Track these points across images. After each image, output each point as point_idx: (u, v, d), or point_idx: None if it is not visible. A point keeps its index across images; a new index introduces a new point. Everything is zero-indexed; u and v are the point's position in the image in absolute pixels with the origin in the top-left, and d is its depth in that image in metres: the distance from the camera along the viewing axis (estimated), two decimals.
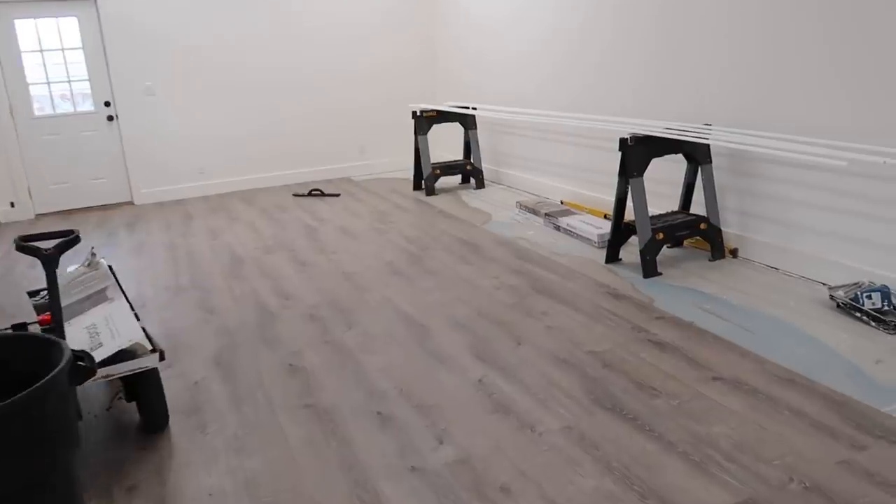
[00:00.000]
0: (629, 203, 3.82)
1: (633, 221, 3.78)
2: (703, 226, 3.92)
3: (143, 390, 2.39)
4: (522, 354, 2.91)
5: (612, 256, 4.06)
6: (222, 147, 6.93)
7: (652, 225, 3.85)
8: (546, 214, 4.94)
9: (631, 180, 3.73)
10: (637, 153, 3.74)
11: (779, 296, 3.38)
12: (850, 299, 3.07)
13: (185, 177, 6.86)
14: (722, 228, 4.03)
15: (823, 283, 3.50)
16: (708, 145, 3.84)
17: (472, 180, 6.51)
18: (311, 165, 7.35)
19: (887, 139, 3.11)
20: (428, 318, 3.37)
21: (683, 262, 3.99)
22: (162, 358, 2.35)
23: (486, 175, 6.86)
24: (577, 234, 4.56)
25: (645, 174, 4.57)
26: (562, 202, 5.49)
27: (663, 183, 4.48)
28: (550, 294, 3.58)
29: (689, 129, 3.74)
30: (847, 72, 3.25)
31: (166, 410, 2.47)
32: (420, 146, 6.20)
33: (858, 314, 3.04)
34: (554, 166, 5.69)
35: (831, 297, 3.17)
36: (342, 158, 7.49)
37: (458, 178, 6.83)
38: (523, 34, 5.83)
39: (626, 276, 3.82)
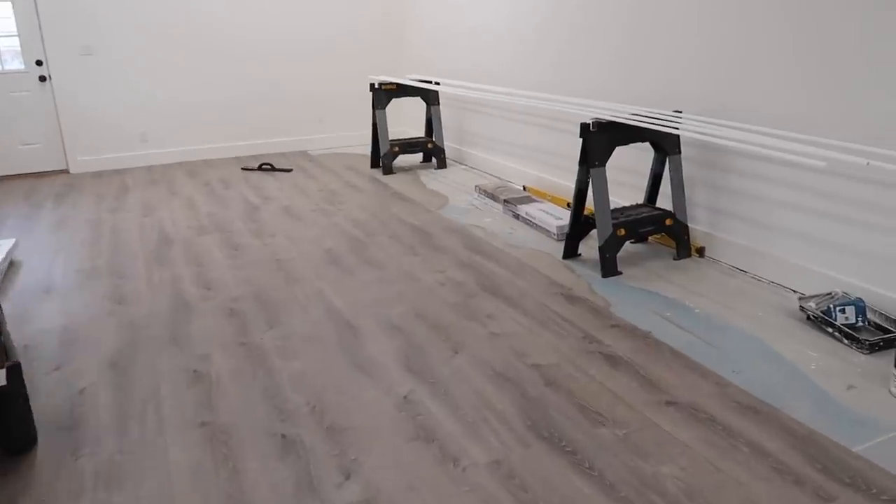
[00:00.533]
0: (591, 194, 3.49)
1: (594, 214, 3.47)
2: (668, 222, 3.61)
3: None
4: (458, 366, 2.59)
5: (571, 251, 3.75)
6: (168, 114, 6.46)
7: (614, 219, 3.54)
8: (505, 201, 4.60)
9: (592, 170, 3.40)
10: (599, 140, 3.40)
11: (745, 304, 3.10)
12: (822, 312, 2.79)
13: (127, 145, 6.39)
14: (689, 225, 3.73)
15: (794, 291, 3.22)
16: (677, 135, 3.52)
17: (434, 160, 6.14)
18: (266, 137, 6.92)
19: (872, 134, 2.81)
20: (360, 317, 3.03)
21: (647, 259, 3.69)
22: (12, 375, 1.98)
23: (449, 154, 6.50)
24: (536, 225, 4.24)
25: (609, 163, 4.24)
26: (524, 188, 5.15)
27: (629, 172, 4.17)
28: (499, 293, 3.26)
29: (658, 117, 3.42)
30: (831, 59, 2.93)
31: (30, 432, 2.11)
32: (378, 121, 5.80)
33: (830, 329, 2.76)
34: (518, 148, 5.34)
35: (802, 308, 2.89)
36: (300, 131, 7.06)
37: (420, 156, 6.46)
38: (490, 9, 5.42)
39: (584, 274, 3.51)
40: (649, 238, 3.93)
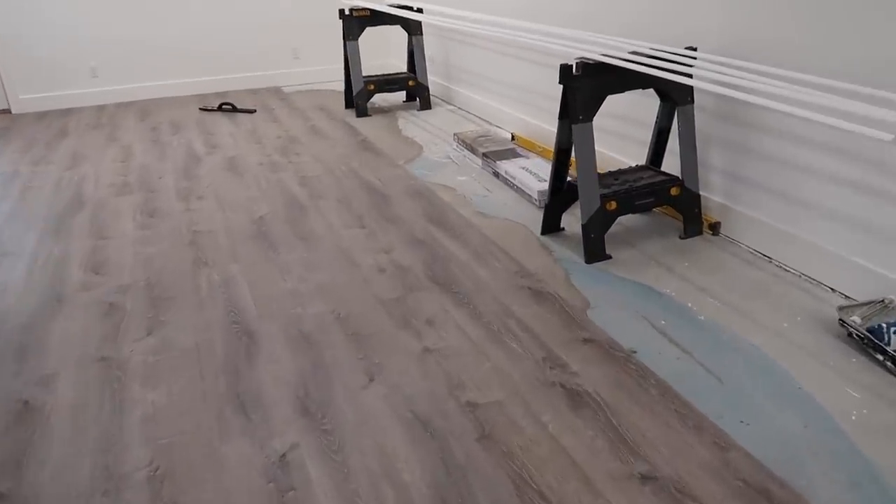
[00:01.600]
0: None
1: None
2: (675, 191, 2.85)
3: None
4: (368, 405, 1.94)
5: (551, 225, 3.02)
6: (122, 46, 5.70)
7: (603, 188, 2.79)
8: (484, 155, 3.84)
9: (575, 126, 2.63)
10: (585, 88, 2.61)
11: (767, 308, 2.37)
12: (869, 331, 2.06)
13: (77, 81, 5.68)
14: (701, 194, 2.96)
15: (833, 290, 2.47)
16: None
17: (417, 99, 5.33)
18: (234, 72, 6.15)
19: None
20: (265, 320, 2.38)
21: (645, 236, 2.95)
22: None
23: (435, 92, 5.68)
24: (517, 187, 3.49)
25: (602, 110, 3.44)
26: (512, 137, 4.37)
27: (628, 122, 3.37)
28: (450, 286, 2.57)
29: (665, 56, 2.60)
30: None
31: None
32: (349, 54, 4.98)
33: (879, 356, 2.04)
34: (509, 88, 4.52)
35: (842, 322, 2.16)
36: (273, 64, 6.26)
37: (403, 95, 5.65)
38: None
39: (563, 256, 2.80)
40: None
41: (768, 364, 2.07)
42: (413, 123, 4.90)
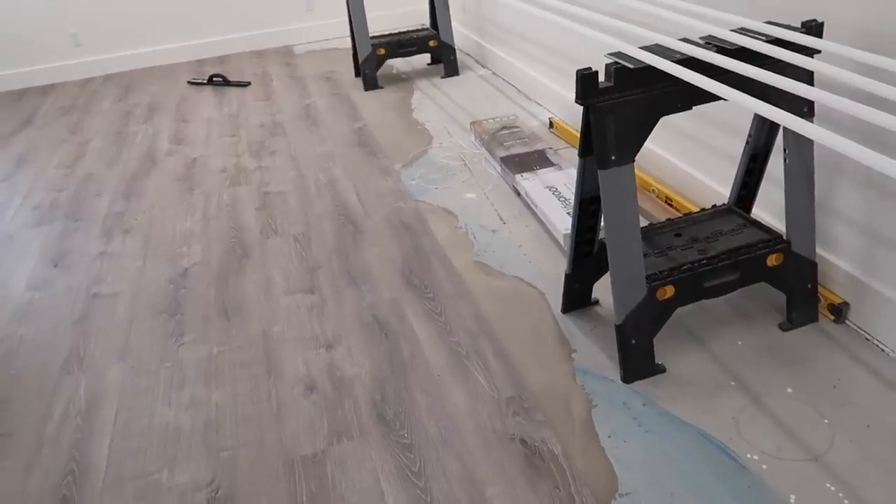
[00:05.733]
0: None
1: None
2: (774, 259, 1.77)
3: None
4: None
5: (576, 301, 2.01)
6: (109, 8, 4.87)
7: (654, 257, 1.76)
8: (503, 160, 2.81)
9: (604, 173, 1.59)
10: (623, 110, 1.55)
11: None
12: None
13: (58, 52, 4.93)
14: (820, 258, 1.86)
15: None
16: (809, 85, 1.59)
17: (443, 64, 4.26)
18: (239, 30, 5.22)
19: None
20: (108, 493, 1.55)
21: (720, 323, 1.90)
22: None
23: (468, 50, 4.57)
24: (540, 217, 2.47)
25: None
26: (550, 123, 3.27)
27: (704, 121, 2.25)
28: (399, 430, 1.65)
29: (763, 39, 1.49)
30: None
31: None
32: (352, 9, 3.95)
33: None
34: (553, 55, 3.39)
35: None
36: (283, 19, 5.29)
37: (427, 56, 4.57)
38: None
39: (588, 364, 1.81)
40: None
41: None
42: (431, 99, 3.86)
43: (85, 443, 1.71)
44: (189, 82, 4.61)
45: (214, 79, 4.53)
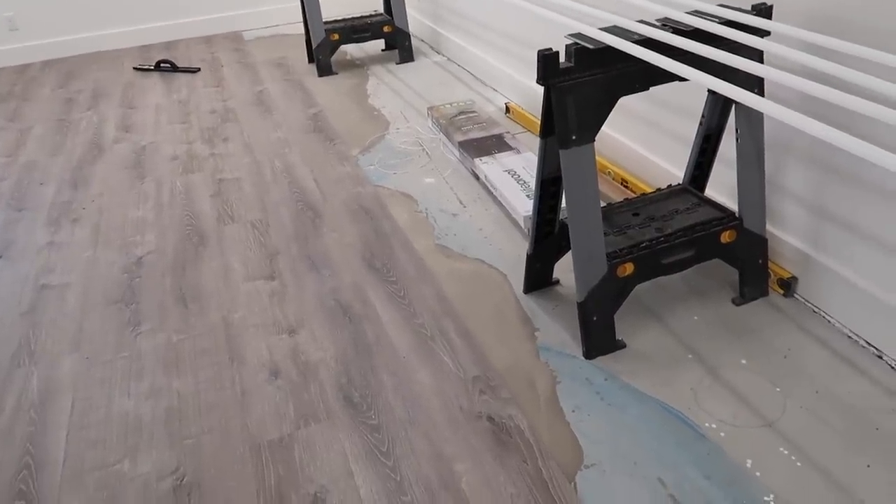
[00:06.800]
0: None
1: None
2: (727, 235, 1.83)
3: None
4: None
5: (537, 281, 2.04)
6: None
7: (614, 236, 1.80)
8: (461, 145, 2.82)
9: (565, 152, 1.61)
10: (583, 89, 1.57)
11: (888, 473, 1.41)
12: None
13: None
14: (769, 234, 1.93)
15: None
16: (759, 64, 1.64)
17: (398, 50, 4.23)
18: (187, 15, 5.08)
19: None
20: (67, 486, 1.51)
21: (676, 299, 1.95)
22: None
23: (422, 35, 4.56)
24: (500, 200, 2.49)
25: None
26: (507, 108, 3.29)
27: (659, 104, 2.30)
28: (367, 412, 1.65)
29: (714, 20, 1.53)
30: None
31: None
32: None
33: None
34: (508, 40, 3.41)
35: None
36: (231, 4, 5.17)
37: (382, 42, 4.53)
38: None
39: (550, 342, 1.84)
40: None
41: None
42: (386, 85, 3.84)
43: (40, 436, 1.66)
44: (135, 68, 4.47)
45: (162, 65, 4.40)
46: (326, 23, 4.01)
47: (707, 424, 1.55)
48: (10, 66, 4.75)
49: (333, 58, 4.09)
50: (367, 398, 1.70)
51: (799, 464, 1.43)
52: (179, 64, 4.41)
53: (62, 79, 4.39)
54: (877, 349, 1.70)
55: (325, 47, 4.01)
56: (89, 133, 3.48)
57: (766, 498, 1.37)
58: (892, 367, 1.65)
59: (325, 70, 4.05)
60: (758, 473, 1.42)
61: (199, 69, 4.36)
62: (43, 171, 3.10)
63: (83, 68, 4.57)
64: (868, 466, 1.42)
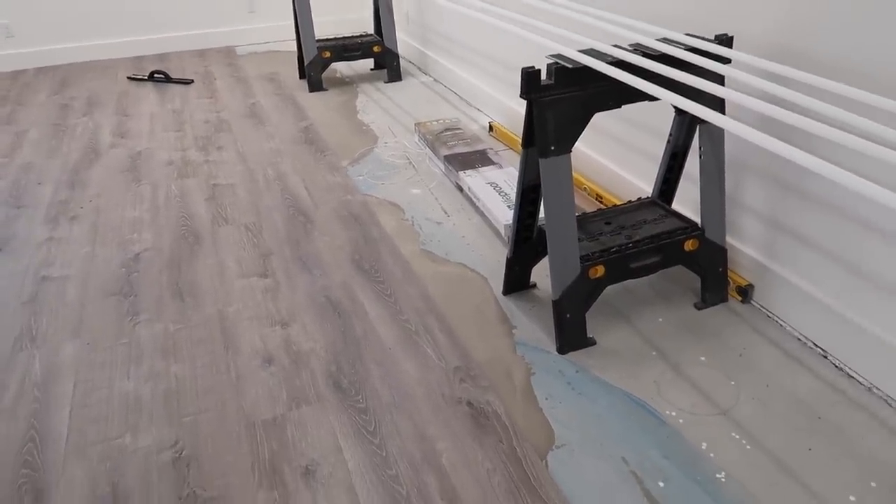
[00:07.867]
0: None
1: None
2: (690, 244, 2.00)
3: None
4: None
5: (516, 284, 2.19)
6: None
7: (587, 242, 1.95)
8: (446, 159, 2.98)
9: (544, 161, 1.77)
10: (561, 105, 1.74)
11: (826, 454, 1.56)
12: None
13: None
14: (729, 245, 2.10)
15: None
16: (720, 87, 1.82)
17: (386, 69, 4.41)
18: (180, 29, 5.22)
19: None
20: (70, 461, 1.61)
21: (643, 303, 2.11)
22: None
23: (410, 57, 4.74)
24: (482, 210, 2.65)
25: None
26: (490, 127, 3.47)
27: (632, 125, 2.48)
28: (355, 396, 1.77)
29: (681, 47, 1.71)
30: None
31: None
32: (298, 12, 4.06)
33: None
34: (492, 63, 3.60)
35: None
36: (225, 20, 5.33)
37: (371, 62, 4.71)
38: None
39: (527, 338, 1.98)
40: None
41: None
42: (375, 102, 4.00)
43: (43, 413, 1.76)
44: (129, 78, 4.58)
45: (156, 75, 4.52)
46: (318, 41, 4.17)
47: (668, 412, 1.69)
48: (3, 72, 4.84)
49: (324, 75, 4.25)
50: (356, 384, 1.82)
51: (749, 447, 1.58)
52: (173, 75, 4.54)
53: (56, 86, 4.49)
54: (823, 350, 1.86)
55: (316, 64, 4.17)
56: (85, 138, 3.58)
57: (718, 475, 1.52)
58: (836, 366, 1.81)
59: (315, 86, 4.20)
60: (712, 455, 1.57)
61: (192, 81, 4.49)
62: (40, 171, 3.19)
63: (77, 76, 4.68)
64: (810, 450, 1.57)
